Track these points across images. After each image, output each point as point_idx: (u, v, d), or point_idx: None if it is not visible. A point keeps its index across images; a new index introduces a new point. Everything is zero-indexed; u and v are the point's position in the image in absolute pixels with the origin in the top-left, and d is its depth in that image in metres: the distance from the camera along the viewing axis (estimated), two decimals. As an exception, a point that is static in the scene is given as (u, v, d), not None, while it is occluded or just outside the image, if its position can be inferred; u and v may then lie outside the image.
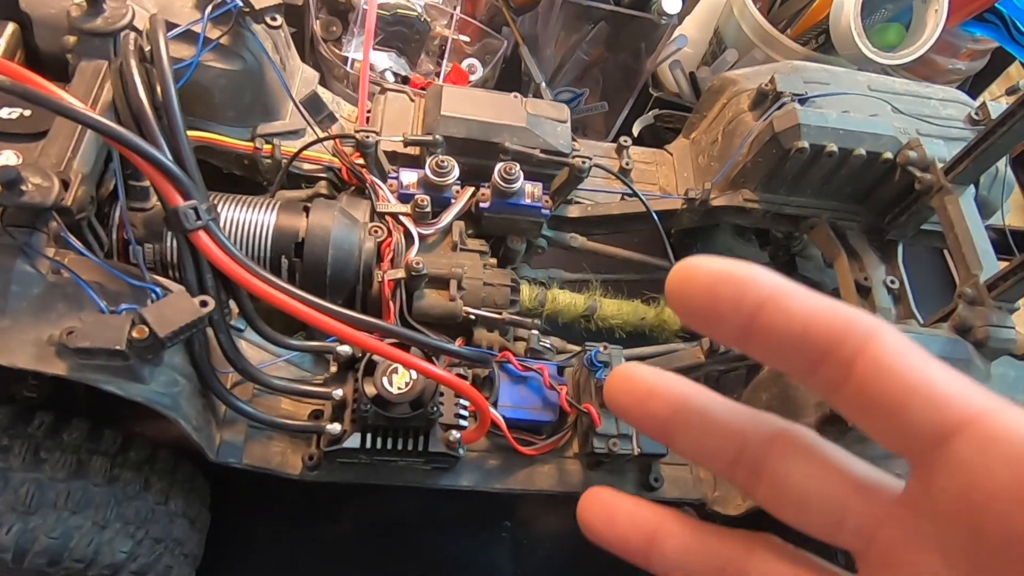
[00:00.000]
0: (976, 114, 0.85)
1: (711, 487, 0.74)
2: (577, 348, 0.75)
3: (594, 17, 0.97)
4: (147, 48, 0.55)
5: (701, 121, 0.92)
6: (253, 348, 0.65)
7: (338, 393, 0.63)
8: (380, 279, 0.68)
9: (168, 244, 0.63)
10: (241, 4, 0.67)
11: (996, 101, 0.88)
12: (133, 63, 0.52)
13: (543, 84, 1.01)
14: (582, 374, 0.72)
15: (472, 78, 1.03)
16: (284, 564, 0.80)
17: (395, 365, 0.61)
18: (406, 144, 0.76)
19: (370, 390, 0.60)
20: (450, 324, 0.70)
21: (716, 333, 0.20)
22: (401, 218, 0.72)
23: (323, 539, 0.82)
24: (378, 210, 0.72)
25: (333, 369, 0.65)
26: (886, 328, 0.19)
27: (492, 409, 0.64)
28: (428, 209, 0.71)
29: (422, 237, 0.71)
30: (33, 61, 0.67)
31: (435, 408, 0.61)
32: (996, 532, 0.17)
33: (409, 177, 0.74)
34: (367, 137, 0.72)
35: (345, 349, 0.64)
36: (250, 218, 0.67)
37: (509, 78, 1.08)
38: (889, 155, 0.77)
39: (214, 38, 0.67)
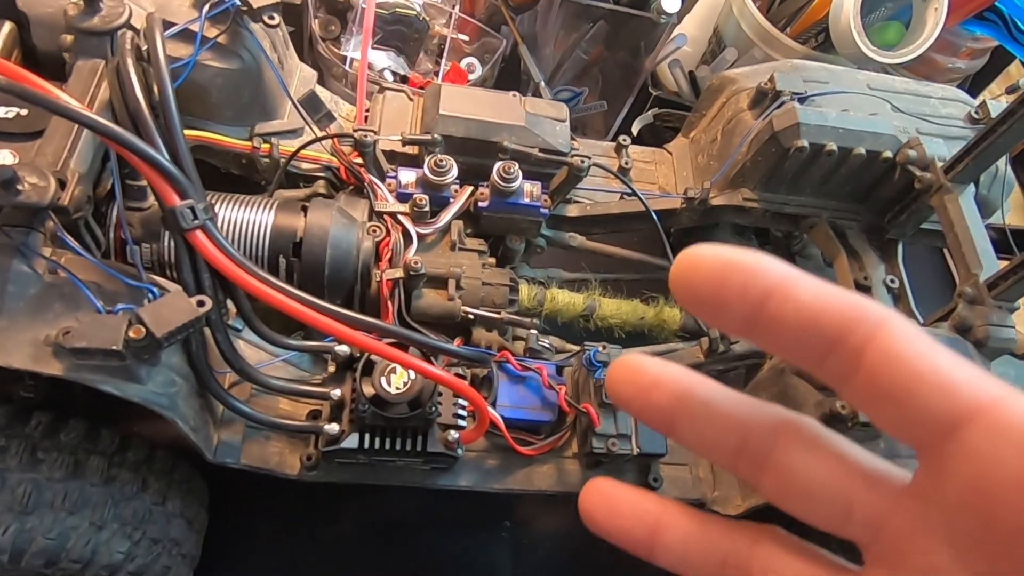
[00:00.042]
0: (976, 113, 0.85)
1: (710, 487, 0.74)
2: (576, 348, 0.75)
3: (593, 16, 0.97)
4: (144, 47, 0.55)
5: (700, 120, 0.92)
6: (251, 348, 0.65)
7: (336, 393, 0.62)
8: (378, 279, 0.68)
9: (165, 244, 0.63)
10: (239, 3, 0.66)
11: (996, 100, 0.88)
12: (130, 62, 0.52)
13: (542, 83, 1.01)
14: (581, 374, 0.72)
15: (471, 77, 1.03)
16: (283, 564, 0.80)
17: (393, 365, 0.60)
18: (404, 143, 0.76)
19: (368, 390, 0.60)
20: (449, 324, 0.70)
21: (721, 322, 0.20)
22: (399, 217, 0.71)
23: (322, 539, 0.81)
24: (376, 209, 0.72)
25: (331, 369, 0.65)
26: (896, 317, 0.19)
27: (491, 409, 0.64)
28: (427, 208, 0.71)
29: (420, 236, 0.71)
30: (30, 60, 0.67)
31: (433, 408, 0.61)
32: (1007, 521, 0.17)
33: (407, 176, 0.74)
34: (365, 136, 0.72)
35: (343, 349, 0.64)
36: (248, 217, 0.67)
37: (508, 77, 1.08)
38: (889, 154, 0.77)
39: (212, 37, 0.67)
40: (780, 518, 0.23)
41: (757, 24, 1.03)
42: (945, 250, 1.10)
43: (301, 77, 0.81)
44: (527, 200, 0.75)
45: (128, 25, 0.58)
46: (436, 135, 0.75)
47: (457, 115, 0.76)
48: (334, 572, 0.81)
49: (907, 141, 0.77)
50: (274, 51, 0.74)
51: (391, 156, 0.78)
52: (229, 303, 0.60)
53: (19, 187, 0.47)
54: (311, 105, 0.80)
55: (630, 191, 0.84)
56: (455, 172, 0.73)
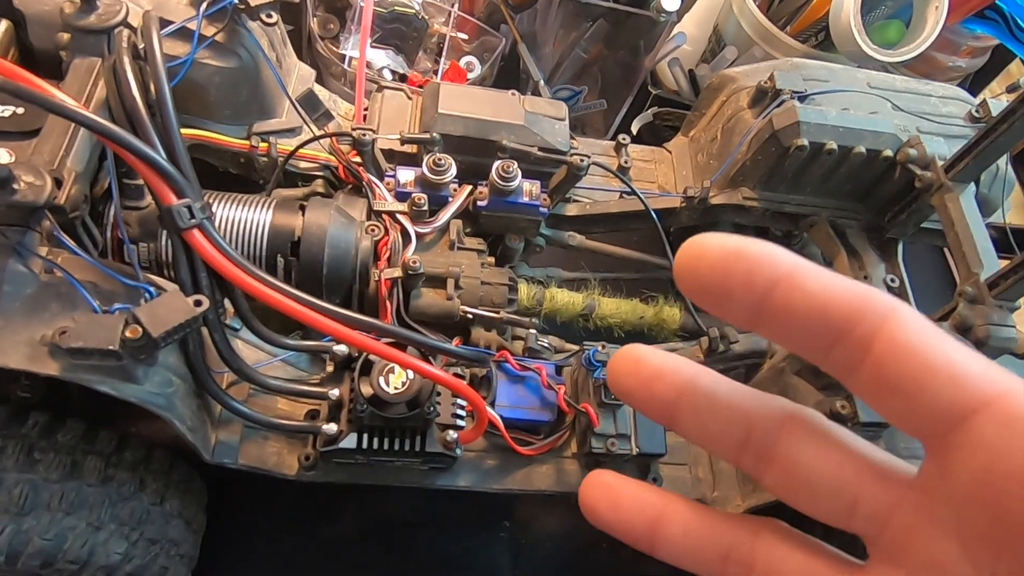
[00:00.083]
0: (976, 111, 0.85)
1: (710, 487, 0.74)
2: (575, 347, 0.75)
3: (593, 14, 0.96)
4: (141, 45, 0.54)
5: (700, 119, 0.91)
6: (249, 348, 0.65)
7: (334, 393, 0.62)
8: (377, 278, 0.68)
9: (163, 243, 0.63)
10: (236, 1, 0.66)
11: (996, 98, 0.88)
12: (127, 60, 0.52)
13: (541, 82, 1.01)
14: (580, 373, 0.72)
15: (470, 76, 1.02)
16: (283, 564, 0.80)
17: (392, 365, 0.60)
18: (403, 142, 0.76)
19: (366, 390, 0.60)
20: (447, 323, 0.70)
21: (726, 312, 0.20)
22: (398, 216, 0.71)
23: (322, 539, 0.81)
24: (375, 208, 0.72)
25: (329, 369, 0.65)
26: (904, 307, 0.18)
27: (489, 409, 0.63)
28: (425, 207, 0.71)
29: (419, 236, 0.71)
30: (27, 58, 0.67)
31: (432, 408, 0.61)
32: (1015, 513, 0.17)
33: (406, 175, 0.74)
34: (364, 135, 0.72)
35: (341, 349, 0.64)
36: (246, 216, 0.67)
37: (507, 76, 1.08)
38: (889, 153, 0.77)
39: (209, 35, 0.66)
40: (782, 516, 0.23)
41: (757, 22, 1.03)
42: (945, 249, 1.10)
43: (299, 76, 0.81)
44: (526, 199, 0.74)
45: (125, 23, 0.58)
46: (435, 134, 0.75)
47: (456, 114, 0.76)
48: (333, 572, 0.81)
49: (907, 140, 0.76)
50: (272, 49, 0.74)
51: (389, 155, 0.78)
52: (227, 303, 0.60)
53: (15, 186, 0.47)
54: (309, 104, 0.80)
55: (629, 190, 0.83)
56: (454, 171, 0.73)
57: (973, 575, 0.18)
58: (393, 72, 1.01)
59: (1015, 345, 0.63)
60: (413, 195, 0.71)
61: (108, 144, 0.51)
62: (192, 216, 0.51)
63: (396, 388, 0.60)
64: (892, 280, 0.78)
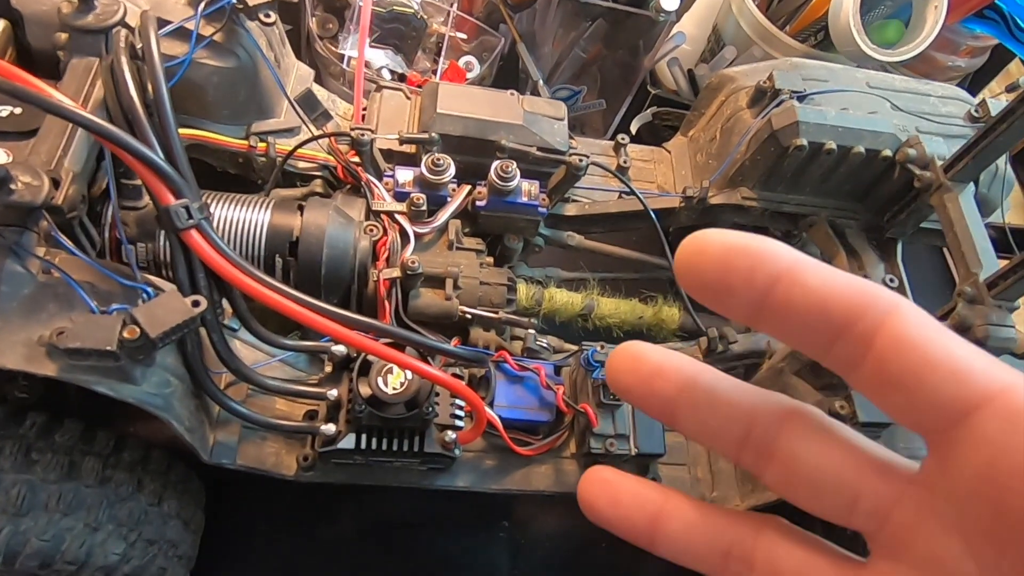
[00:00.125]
0: (976, 111, 0.84)
1: (709, 487, 0.73)
2: (574, 347, 0.75)
3: (592, 14, 0.96)
4: (139, 45, 0.54)
5: (699, 119, 0.91)
6: (247, 348, 0.65)
7: (333, 393, 0.62)
8: (375, 278, 0.68)
9: (161, 243, 0.63)
10: (235, 1, 0.66)
11: (996, 98, 0.88)
12: (124, 60, 0.52)
13: (540, 82, 1.01)
14: (579, 374, 0.72)
15: (469, 76, 1.02)
16: (282, 565, 0.80)
17: (390, 365, 0.60)
18: (402, 142, 0.76)
19: (365, 390, 0.60)
20: (446, 323, 0.70)
21: (727, 308, 0.20)
22: (397, 217, 0.71)
23: (321, 539, 0.81)
24: (373, 208, 0.71)
25: (328, 369, 0.65)
26: (906, 303, 0.18)
27: (488, 409, 0.63)
28: (424, 207, 0.71)
29: (418, 236, 0.71)
30: (24, 58, 0.67)
31: (430, 408, 0.61)
32: (1017, 509, 0.17)
33: (405, 175, 0.74)
34: (363, 135, 0.72)
35: (340, 349, 0.63)
36: (244, 217, 0.66)
37: (506, 76, 1.08)
38: (888, 153, 0.76)
39: (207, 35, 0.66)
40: (781, 515, 0.23)
41: (756, 22, 1.02)
42: (944, 249, 1.09)
43: (298, 75, 0.81)
44: (525, 199, 0.74)
45: (123, 23, 0.58)
46: (433, 134, 0.74)
47: (455, 114, 0.76)
48: (332, 572, 0.81)
49: (906, 140, 0.76)
50: (270, 49, 0.74)
51: (388, 155, 0.78)
52: (225, 303, 0.60)
53: (12, 186, 0.47)
54: (308, 104, 0.79)
55: (628, 190, 0.83)
56: (452, 171, 0.73)
57: (975, 571, 0.18)
58: (392, 72, 1.01)
59: (1014, 345, 0.63)
60: (412, 195, 0.71)
61: (105, 144, 0.51)
62: (190, 216, 0.51)
63: (394, 388, 0.60)
64: (891, 280, 0.78)
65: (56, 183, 0.50)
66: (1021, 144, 0.74)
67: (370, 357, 0.61)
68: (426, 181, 0.72)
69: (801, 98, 0.78)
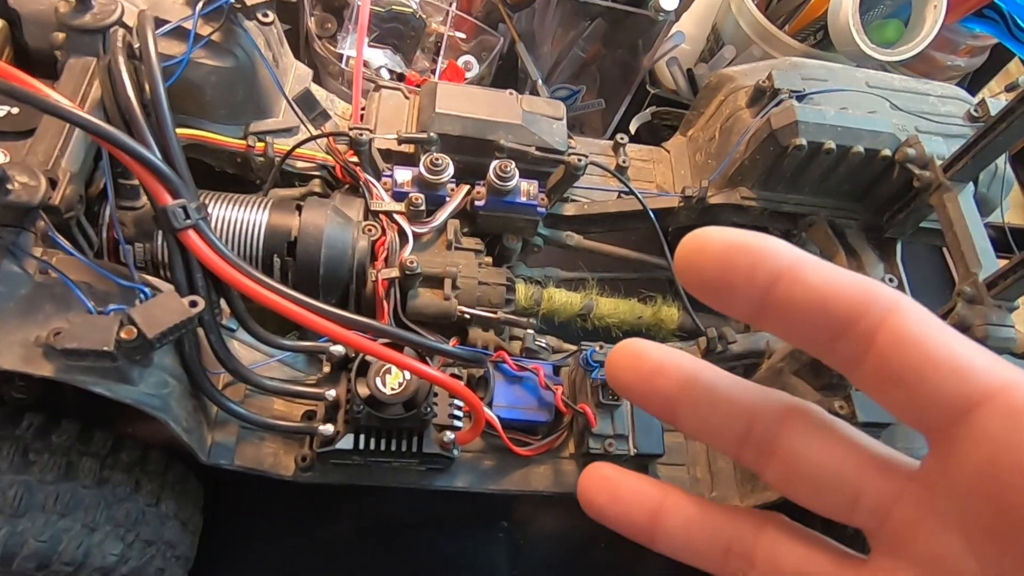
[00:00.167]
0: (975, 111, 0.84)
1: (708, 488, 0.73)
2: (573, 347, 0.75)
3: (591, 13, 0.96)
4: (136, 45, 0.54)
5: (698, 118, 0.91)
6: (245, 348, 0.65)
7: (331, 394, 0.62)
8: (374, 278, 0.68)
9: (159, 243, 0.63)
10: (233, 0, 0.66)
11: (995, 98, 0.88)
12: (121, 60, 0.52)
13: (539, 81, 1.01)
14: (578, 374, 0.71)
15: (468, 75, 1.02)
16: (280, 565, 0.79)
17: (388, 365, 0.60)
18: (400, 142, 0.76)
19: (363, 391, 0.60)
20: (445, 323, 0.70)
21: (728, 306, 0.20)
22: (395, 216, 0.71)
23: (320, 540, 0.81)
24: (372, 208, 0.71)
25: (326, 369, 0.65)
26: (907, 300, 0.18)
27: (487, 409, 0.63)
28: (422, 207, 0.71)
29: (416, 236, 0.71)
30: (21, 58, 0.66)
31: (429, 409, 0.61)
32: (1018, 506, 0.17)
33: (403, 175, 0.73)
34: (361, 135, 0.72)
35: (338, 349, 0.63)
36: (242, 217, 0.66)
37: (505, 75, 1.08)
38: (887, 152, 0.76)
39: (205, 35, 0.66)
40: (783, 513, 0.23)
41: (755, 22, 1.02)
42: (944, 249, 1.09)
43: (296, 75, 0.81)
44: (524, 199, 0.74)
45: (120, 23, 0.57)
46: (432, 133, 0.74)
47: (453, 113, 0.76)
48: (331, 573, 0.80)
49: (906, 139, 0.76)
50: (268, 49, 0.74)
51: (387, 155, 0.78)
52: (223, 303, 0.60)
53: (9, 186, 0.47)
54: (306, 103, 0.79)
55: (628, 190, 0.83)
56: (451, 171, 0.72)
57: (976, 568, 0.18)
58: (391, 71, 1.01)
59: (1014, 345, 0.63)
60: (410, 195, 0.71)
61: (103, 144, 0.51)
62: (187, 216, 0.51)
63: (393, 389, 0.60)
64: (891, 280, 0.78)
65: (53, 183, 0.50)
66: (1020, 144, 0.74)
67: (368, 357, 0.61)
68: (425, 181, 0.72)
69: (800, 98, 0.78)
